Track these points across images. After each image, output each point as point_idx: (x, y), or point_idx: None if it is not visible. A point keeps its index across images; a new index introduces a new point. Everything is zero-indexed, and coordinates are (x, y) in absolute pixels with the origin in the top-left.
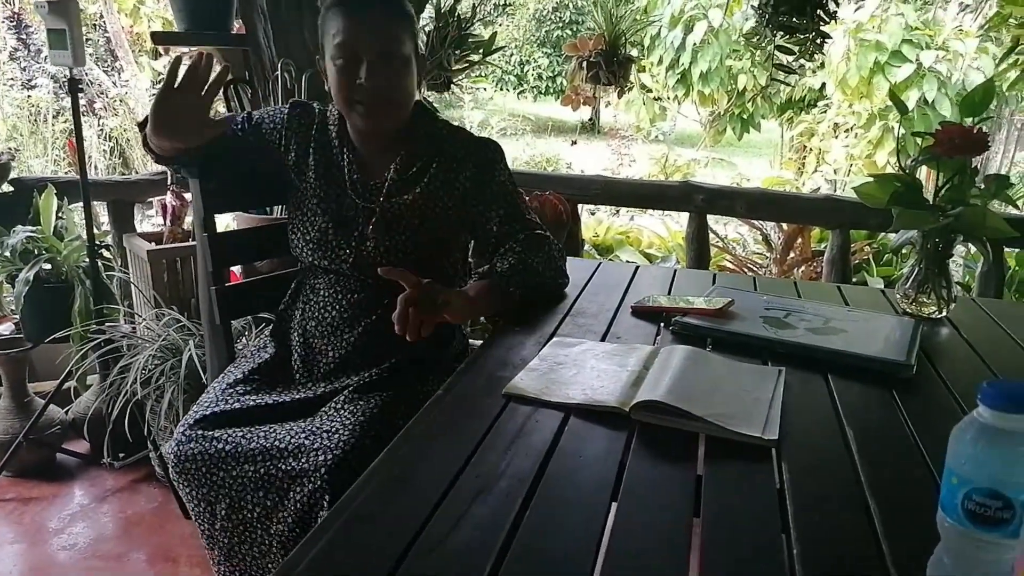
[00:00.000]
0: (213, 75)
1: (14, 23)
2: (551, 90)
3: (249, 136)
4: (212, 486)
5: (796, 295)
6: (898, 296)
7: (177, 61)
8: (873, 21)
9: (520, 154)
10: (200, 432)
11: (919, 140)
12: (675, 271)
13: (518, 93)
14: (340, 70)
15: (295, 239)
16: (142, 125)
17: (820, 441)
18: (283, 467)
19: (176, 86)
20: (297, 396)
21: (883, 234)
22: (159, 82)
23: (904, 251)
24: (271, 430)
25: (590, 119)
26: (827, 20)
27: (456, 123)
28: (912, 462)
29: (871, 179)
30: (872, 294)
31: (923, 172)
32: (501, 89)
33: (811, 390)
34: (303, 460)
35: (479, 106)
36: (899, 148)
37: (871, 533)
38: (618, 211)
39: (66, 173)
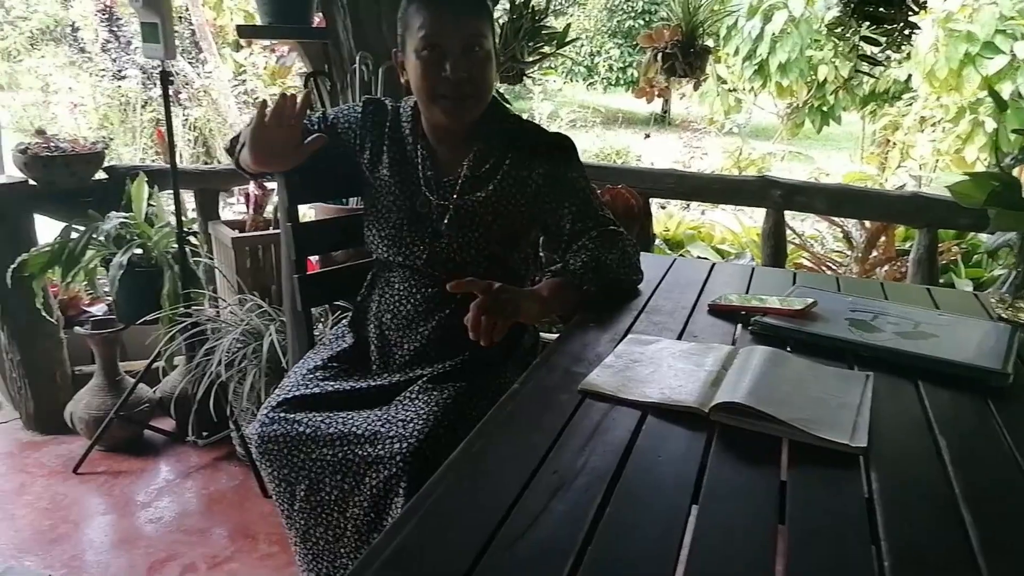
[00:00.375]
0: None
1: (106, 16)
2: (621, 81)
3: (327, 135)
4: (292, 467)
5: (883, 297)
6: (993, 300)
7: (263, 104)
8: (964, 11)
9: (590, 146)
10: (282, 415)
11: (1012, 136)
12: (753, 269)
13: (588, 84)
14: (425, 62)
15: (370, 235)
16: (230, 150)
17: (911, 450)
18: (360, 452)
19: (266, 122)
20: (373, 383)
21: (972, 234)
22: (240, 73)
23: (1000, 254)
24: (348, 416)
25: (663, 111)
26: (916, 10)
27: (526, 115)
28: (1009, 474)
29: (966, 177)
30: (964, 297)
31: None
32: (570, 80)
33: (900, 397)
34: (379, 447)
35: (548, 97)
36: (996, 145)
37: (967, 547)
38: (688, 205)
39: (153, 161)
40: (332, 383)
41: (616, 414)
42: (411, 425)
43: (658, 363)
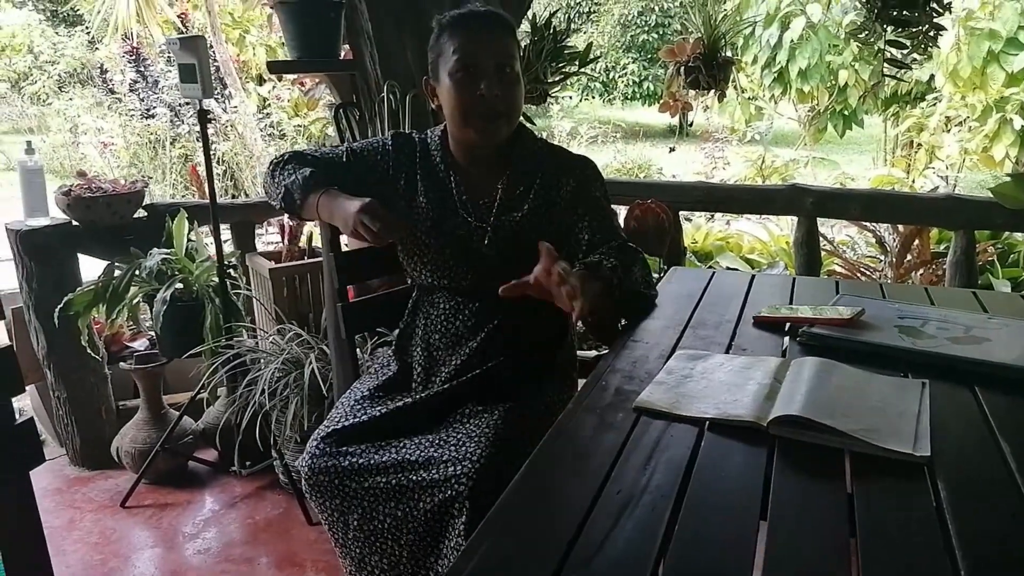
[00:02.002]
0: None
1: (133, 57)
2: (638, 95)
3: (355, 168)
4: (344, 497)
5: (928, 302)
6: None
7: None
8: (985, 8)
9: (611, 161)
10: (332, 446)
11: None
12: (794, 279)
13: (607, 100)
14: (459, 83)
15: (411, 262)
16: (288, 198)
17: (976, 457)
18: (413, 478)
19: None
20: (419, 397)
21: (1008, 233)
22: (264, 107)
23: None
24: (400, 443)
25: (689, 123)
26: (941, 12)
27: (546, 133)
28: None
29: (1006, 178)
30: (1012, 300)
31: None
32: (587, 96)
33: (959, 403)
34: (433, 471)
35: (567, 114)
36: None
37: None
38: (712, 216)
39: (183, 197)
40: (380, 408)
41: (674, 431)
42: (464, 448)
43: (710, 378)
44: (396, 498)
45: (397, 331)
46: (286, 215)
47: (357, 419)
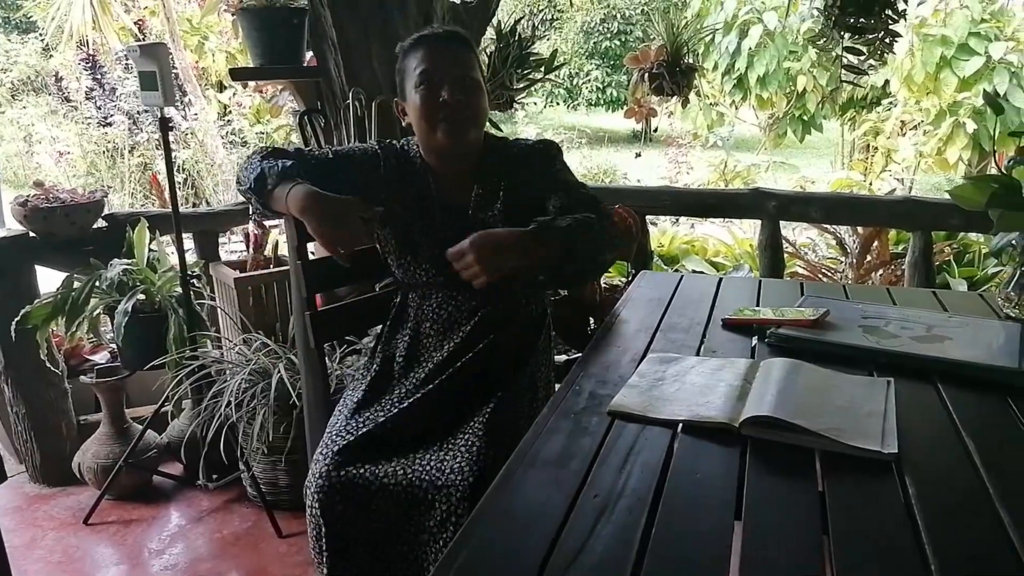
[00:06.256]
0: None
1: (89, 65)
2: (601, 101)
3: (343, 169)
4: (358, 510)
5: (890, 302)
6: (1000, 300)
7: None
8: (937, 15)
9: (577, 166)
10: (339, 468)
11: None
12: (760, 282)
13: (571, 106)
14: (424, 94)
15: (403, 263)
16: (257, 189)
17: (941, 453)
18: (424, 485)
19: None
20: (419, 395)
21: (963, 234)
22: (225, 114)
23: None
24: (408, 463)
25: (654, 129)
26: (896, 19)
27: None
28: None
29: (966, 181)
30: (970, 298)
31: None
32: (551, 103)
33: (923, 401)
34: (436, 481)
35: (532, 120)
36: (994, 147)
37: (1008, 546)
38: (678, 219)
39: (142, 206)
40: (380, 413)
41: (648, 434)
42: (460, 458)
43: (682, 380)
44: (406, 512)
45: (381, 332)
46: (251, 223)
47: (363, 429)
